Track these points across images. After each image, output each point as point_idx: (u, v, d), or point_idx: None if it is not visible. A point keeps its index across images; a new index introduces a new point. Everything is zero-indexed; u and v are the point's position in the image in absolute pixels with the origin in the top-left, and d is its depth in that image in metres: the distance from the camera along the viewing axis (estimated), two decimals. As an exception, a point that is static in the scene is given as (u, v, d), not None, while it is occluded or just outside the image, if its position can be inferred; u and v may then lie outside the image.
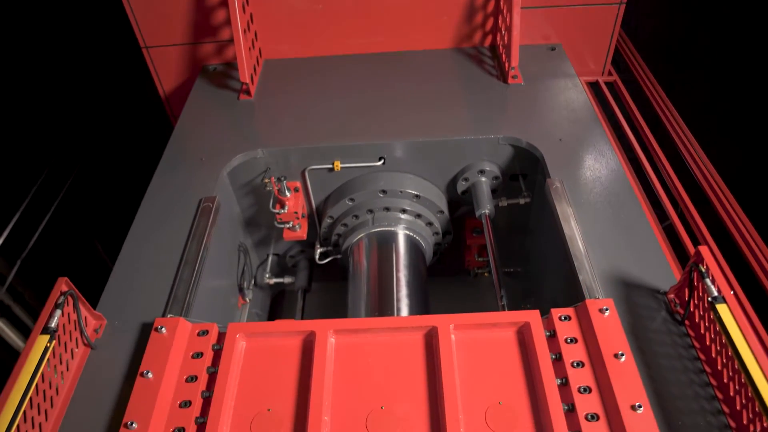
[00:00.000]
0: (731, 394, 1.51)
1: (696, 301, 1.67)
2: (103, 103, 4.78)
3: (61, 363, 1.64)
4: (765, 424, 1.35)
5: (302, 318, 3.00)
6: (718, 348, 1.58)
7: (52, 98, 4.52)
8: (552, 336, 1.70)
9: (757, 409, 1.38)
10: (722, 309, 1.53)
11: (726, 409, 1.52)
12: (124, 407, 1.57)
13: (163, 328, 1.74)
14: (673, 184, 2.76)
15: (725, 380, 1.54)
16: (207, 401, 1.61)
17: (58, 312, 1.61)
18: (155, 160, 2.51)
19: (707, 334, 1.63)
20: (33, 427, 1.51)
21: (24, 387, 1.45)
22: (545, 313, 1.76)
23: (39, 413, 1.54)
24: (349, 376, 1.66)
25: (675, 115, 3.22)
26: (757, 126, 4.29)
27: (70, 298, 1.68)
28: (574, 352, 1.64)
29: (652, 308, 1.78)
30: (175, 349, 1.70)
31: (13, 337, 3.91)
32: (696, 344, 1.67)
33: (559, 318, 1.73)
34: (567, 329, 1.70)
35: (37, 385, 1.51)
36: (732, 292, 1.58)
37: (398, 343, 1.73)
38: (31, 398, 1.48)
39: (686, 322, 1.72)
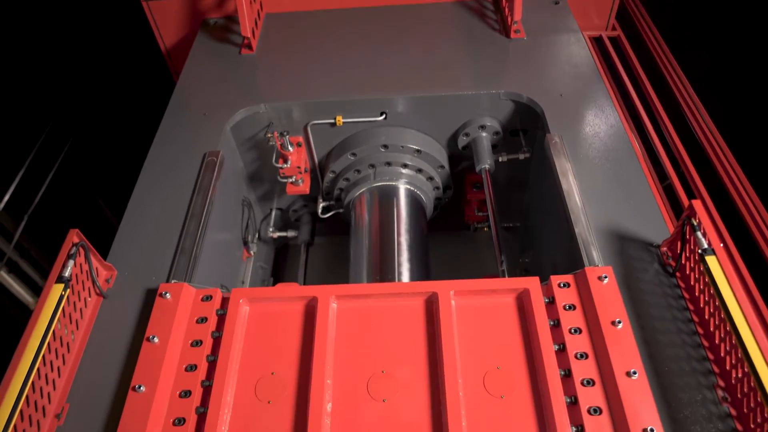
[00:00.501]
0: (716, 341, 1.58)
1: (687, 254, 1.72)
2: (104, 58, 4.74)
3: (75, 311, 1.71)
4: (746, 370, 1.42)
5: (305, 271, 3.07)
6: (706, 299, 1.64)
7: (55, 54, 4.48)
8: (551, 302, 1.73)
9: (740, 355, 1.44)
10: (711, 261, 1.58)
11: (710, 356, 1.59)
12: (135, 356, 1.64)
13: (167, 294, 1.75)
14: (674, 143, 2.76)
15: (711, 329, 1.61)
16: (212, 365, 1.65)
17: (71, 262, 1.67)
18: (157, 116, 2.53)
19: (696, 286, 1.69)
20: (52, 370, 1.59)
21: (42, 333, 1.52)
22: (545, 277, 1.79)
23: (57, 357, 1.62)
24: (351, 341, 1.70)
25: (679, 72, 3.18)
26: (761, 87, 4.25)
27: (81, 249, 1.73)
28: (572, 319, 1.67)
29: (645, 260, 1.83)
30: (180, 314, 1.72)
31: (21, 292, 4.00)
32: (685, 295, 1.73)
33: (558, 285, 1.75)
34: (566, 296, 1.73)
35: (54, 331, 1.58)
36: (722, 245, 1.62)
37: (399, 308, 1.76)
38: (49, 343, 1.56)
39: (677, 273, 1.78)
